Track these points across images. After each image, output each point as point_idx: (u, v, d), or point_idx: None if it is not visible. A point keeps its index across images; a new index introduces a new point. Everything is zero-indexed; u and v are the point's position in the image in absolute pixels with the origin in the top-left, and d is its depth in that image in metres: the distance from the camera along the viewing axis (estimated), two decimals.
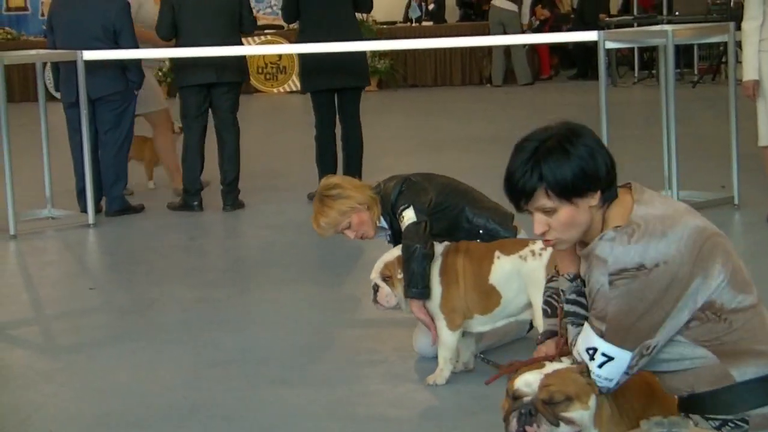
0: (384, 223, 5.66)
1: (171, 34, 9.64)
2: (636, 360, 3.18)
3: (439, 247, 5.37)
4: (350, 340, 6.08)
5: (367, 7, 9.93)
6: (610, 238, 3.18)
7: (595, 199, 3.23)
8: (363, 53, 9.99)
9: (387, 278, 5.36)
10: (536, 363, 3.36)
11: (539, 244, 5.18)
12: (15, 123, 8.96)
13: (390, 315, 5.75)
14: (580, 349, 3.24)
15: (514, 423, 3.21)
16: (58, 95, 9.97)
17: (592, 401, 3.23)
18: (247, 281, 7.57)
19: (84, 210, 9.26)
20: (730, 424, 3.16)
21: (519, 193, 3.27)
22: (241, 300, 7.01)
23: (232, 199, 9.61)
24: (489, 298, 5.23)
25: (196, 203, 9.59)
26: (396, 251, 5.42)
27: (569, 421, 3.20)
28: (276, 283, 7.31)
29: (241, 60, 9.81)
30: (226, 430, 4.88)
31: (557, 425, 3.19)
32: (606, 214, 3.26)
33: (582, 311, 3.32)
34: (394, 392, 5.23)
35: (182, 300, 6.99)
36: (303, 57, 9.85)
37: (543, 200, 3.23)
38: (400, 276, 5.31)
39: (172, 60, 10.65)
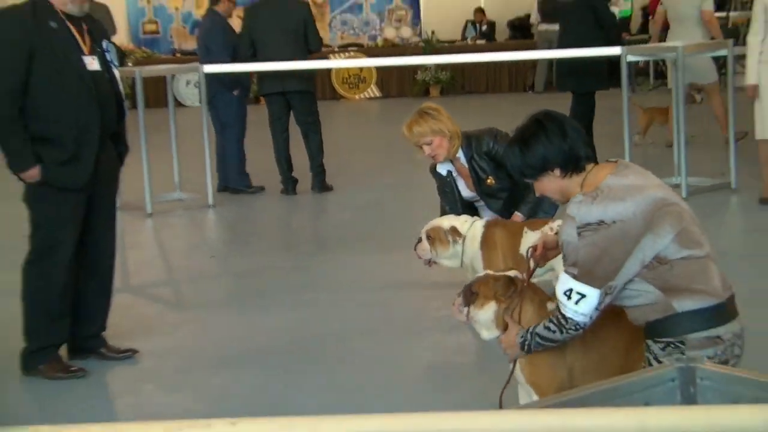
0: (463, 158, 5.64)
1: (250, 52, 9.52)
2: (602, 298, 3.27)
3: (480, 222, 5.36)
4: (421, 298, 6.12)
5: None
6: (578, 200, 3.29)
7: (555, 174, 3.39)
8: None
9: (430, 238, 5.33)
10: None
11: (557, 223, 5.21)
12: (150, 124, 9.07)
13: (456, 278, 5.78)
14: (558, 296, 3.33)
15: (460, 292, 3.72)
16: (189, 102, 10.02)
17: (488, 307, 3.61)
18: (337, 251, 7.61)
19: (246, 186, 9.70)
20: (671, 345, 3.26)
21: None
22: (332, 267, 7.06)
23: (318, 183, 9.66)
24: (520, 266, 5.22)
25: (290, 188, 9.65)
26: (449, 221, 5.36)
27: (469, 310, 3.63)
28: (360, 251, 7.34)
29: (308, 72, 9.60)
30: (321, 372, 4.96)
31: (465, 305, 3.64)
32: (584, 182, 3.37)
33: None
34: (457, 342, 5.27)
35: (285, 267, 7.06)
36: None
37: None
38: (447, 240, 5.27)
39: (252, 73, 10.50)
